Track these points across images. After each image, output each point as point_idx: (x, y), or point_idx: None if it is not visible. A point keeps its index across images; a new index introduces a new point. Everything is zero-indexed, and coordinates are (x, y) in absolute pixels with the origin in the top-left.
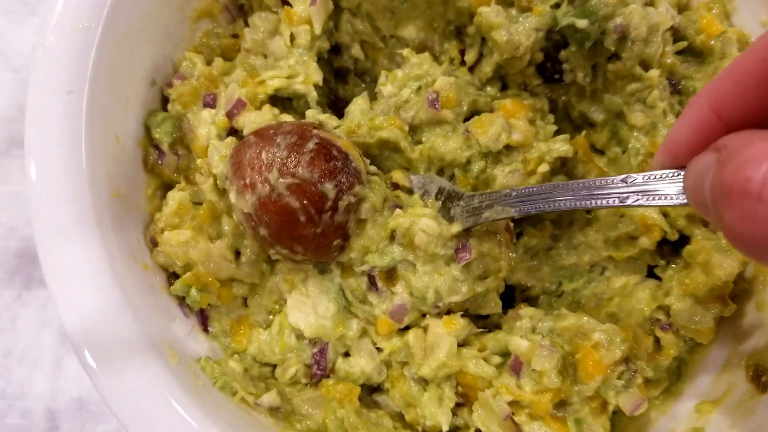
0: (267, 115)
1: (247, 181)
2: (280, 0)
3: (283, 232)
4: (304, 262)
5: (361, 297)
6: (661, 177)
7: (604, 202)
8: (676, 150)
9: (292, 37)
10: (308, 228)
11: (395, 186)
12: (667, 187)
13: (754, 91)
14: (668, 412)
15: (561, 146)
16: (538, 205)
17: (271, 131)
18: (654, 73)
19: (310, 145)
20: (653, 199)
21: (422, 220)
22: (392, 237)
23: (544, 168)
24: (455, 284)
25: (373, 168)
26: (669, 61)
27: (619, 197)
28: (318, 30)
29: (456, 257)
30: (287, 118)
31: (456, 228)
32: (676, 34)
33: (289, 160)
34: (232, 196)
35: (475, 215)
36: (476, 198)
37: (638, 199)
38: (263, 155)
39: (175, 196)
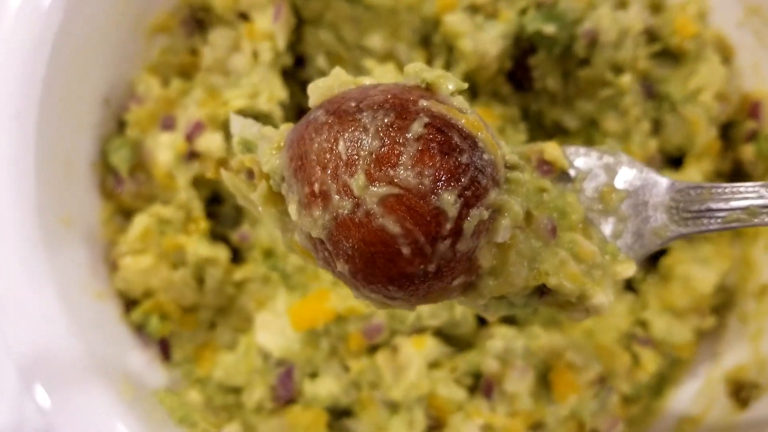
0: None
1: (316, 188)
2: (239, 14)
3: (376, 270)
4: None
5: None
6: None
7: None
8: None
9: (255, 54)
10: (415, 264)
11: (543, 166)
12: None
13: None
14: (648, 430)
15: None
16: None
17: (353, 104)
18: (626, 78)
19: (417, 127)
20: None
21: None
22: None
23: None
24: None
25: (513, 157)
26: (641, 65)
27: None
28: (282, 46)
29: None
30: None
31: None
32: (650, 36)
33: (383, 153)
34: (292, 210)
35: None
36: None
37: None
38: (341, 146)
39: (141, 221)
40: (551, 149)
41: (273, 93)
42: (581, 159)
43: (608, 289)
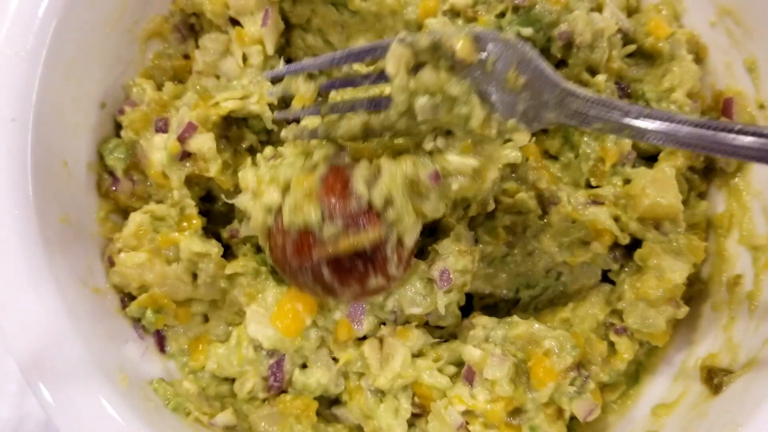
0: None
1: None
2: (230, 20)
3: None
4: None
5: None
6: None
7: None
8: None
9: (245, 57)
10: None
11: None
12: None
13: None
14: (626, 416)
15: (510, 152)
16: (659, 136)
17: None
18: (601, 78)
19: None
20: None
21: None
22: None
23: (493, 174)
24: (417, 297)
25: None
26: (616, 65)
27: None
28: (270, 50)
29: (437, 283)
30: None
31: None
32: (626, 37)
33: None
34: None
35: (578, 119)
36: (580, 99)
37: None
38: None
39: (135, 219)
40: (463, 47)
41: (263, 95)
42: (497, 44)
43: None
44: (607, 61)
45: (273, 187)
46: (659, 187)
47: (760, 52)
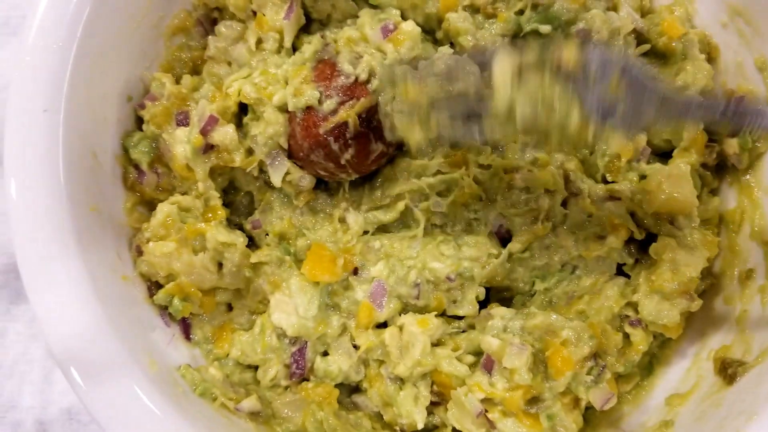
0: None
1: None
2: (252, 11)
3: None
4: None
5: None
6: None
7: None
8: None
9: (259, 41)
10: None
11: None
12: None
13: None
14: (640, 406)
15: None
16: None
17: None
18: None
19: None
20: None
21: None
22: None
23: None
24: (441, 257)
25: None
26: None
27: None
28: (288, 43)
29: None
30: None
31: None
32: (640, 37)
33: None
34: None
35: (676, 118)
36: (676, 102)
37: None
38: None
39: (163, 209)
40: (569, 57)
41: (268, 72)
42: (600, 53)
43: None
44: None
45: (277, 87)
46: (674, 183)
47: None
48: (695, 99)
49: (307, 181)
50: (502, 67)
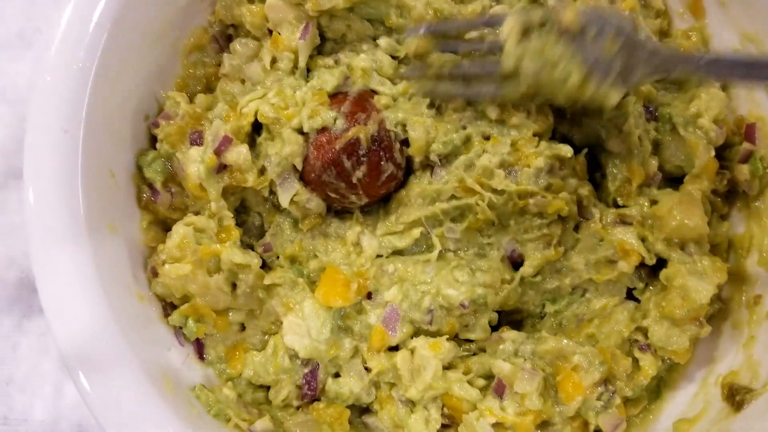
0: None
1: None
2: (268, 30)
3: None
4: None
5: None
6: None
7: None
8: None
9: (274, 60)
10: None
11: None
12: None
13: None
14: (648, 430)
15: (562, 146)
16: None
17: None
18: (630, 99)
19: None
20: None
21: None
22: None
23: (540, 162)
24: (455, 283)
25: None
26: (645, 89)
27: None
28: (303, 63)
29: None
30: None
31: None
32: None
33: None
34: None
35: (661, 72)
36: (659, 55)
37: None
38: None
39: (179, 231)
40: (568, 17)
41: (284, 93)
42: (596, 16)
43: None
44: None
45: (295, 109)
46: (685, 209)
47: None
48: (678, 52)
49: (314, 204)
50: (511, 25)
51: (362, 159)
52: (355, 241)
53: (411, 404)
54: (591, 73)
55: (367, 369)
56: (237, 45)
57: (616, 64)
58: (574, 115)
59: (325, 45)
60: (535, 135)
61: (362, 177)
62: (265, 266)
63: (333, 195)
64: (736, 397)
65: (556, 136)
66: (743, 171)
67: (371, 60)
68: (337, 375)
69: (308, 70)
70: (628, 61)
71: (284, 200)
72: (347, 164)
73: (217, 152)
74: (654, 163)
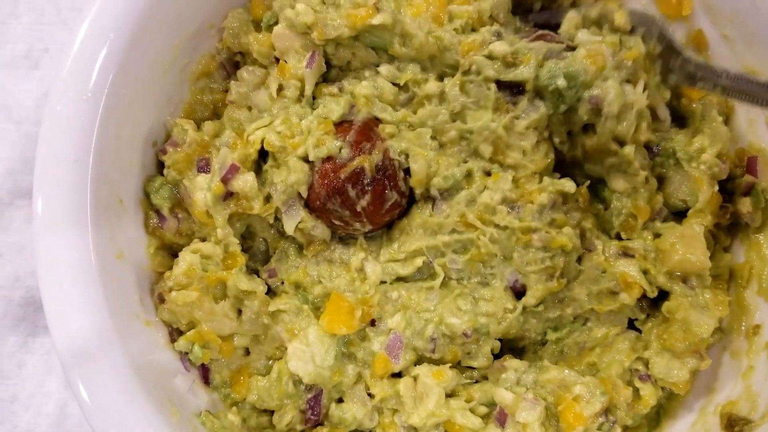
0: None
1: None
2: (275, 57)
3: None
4: None
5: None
6: None
7: None
8: None
9: (280, 88)
10: None
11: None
12: None
13: None
14: None
15: (565, 182)
16: (745, 96)
17: None
18: (628, 149)
19: None
20: None
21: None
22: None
23: (543, 199)
24: (458, 312)
25: None
26: (644, 138)
27: None
28: (309, 91)
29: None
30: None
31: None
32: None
33: None
34: None
35: (690, 80)
36: (692, 64)
37: None
38: None
39: (186, 258)
40: (620, 18)
41: (290, 121)
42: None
43: None
44: (635, 132)
45: (301, 137)
46: (688, 244)
47: None
48: (706, 64)
49: (318, 231)
50: (569, 18)
51: (367, 188)
52: (359, 267)
53: (414, 431)
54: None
55: (370, 395)
56: (244, 72)
57: (657, 65)
58: (573, 158)
59: (330, 72)
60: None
61: (366, 205)
62: (270, 291)
63: (337, 222)
64: (734, 427)
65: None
66: (745, 203)
67: (373, 87)
68: (340, 400)
69: (313, 97)
70: (666, 65)
71: (289, 227)
72: (352, 193)
73: (224, 180)
74: (660, 199)
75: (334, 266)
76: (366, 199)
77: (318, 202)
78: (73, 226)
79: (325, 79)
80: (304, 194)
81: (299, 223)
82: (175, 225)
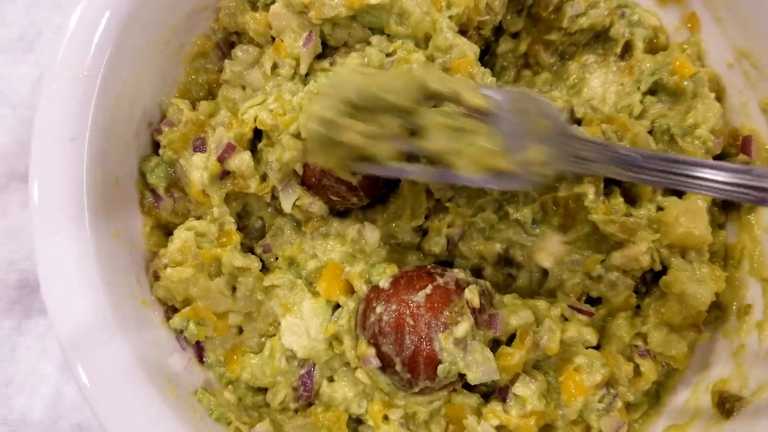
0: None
1: None
2: (271, 37)
3: None
4: None
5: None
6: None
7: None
8: None
9: (275, 66)
10: None
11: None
12: None
13: None
14: None
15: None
16: (641, 176)
17: None
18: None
19: None
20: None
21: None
22: None
23: None
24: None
25: None
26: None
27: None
28: (304, 70)
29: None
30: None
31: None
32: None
33: None
34: None
35: (579, 163)
36: (582, 143)
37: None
38: None
39: (180, 235)
40: (474, 99)
41: (282, 98)
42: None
43: None
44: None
45: (293, 114)
46: (691, 218)
47: None
48: (596, 142)
49: (316, 207)
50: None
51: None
52: (356, 238)
53: (413, 425)
54: (507, 149)
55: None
56: (239, 51)
57: (549, 147)
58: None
59: (325, 52)
60: None
61: (362, 179)
62: (264, 268)
63: (335, 198)
64: (725, 404)
65: None
66: None
67: (362, 57)
68: (331, 379)
69: (306, 74)
70: (560, 147)
71: (287, 205)
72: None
73: (221, 159)
74: None
75: (329, 239)
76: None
77: (314, 179)
78: (70, 204)
79: (319, 58)
80: (300, 171)
81: (296, 200)
82: (171, 204)
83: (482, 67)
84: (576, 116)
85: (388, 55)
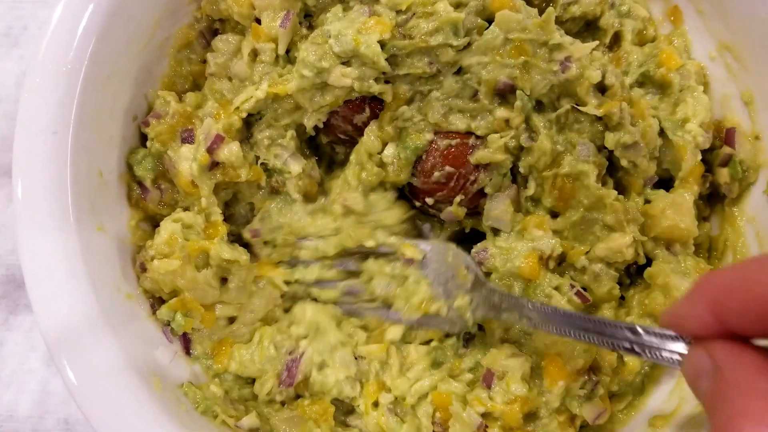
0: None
1: None
2: (256, 19)
3: None
4: None
5: None
6: (664, 336)
7: (607, 343)
8: (678, 323)
9: (255, 52)
10: None
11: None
12: (666, 350)
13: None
14: (627, 425)
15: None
16: (552, 326)
17: None
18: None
19: None
20: (650, 354)
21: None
22: None
23: None
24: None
25: None
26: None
27: (620, 343)
28: (282, 50)
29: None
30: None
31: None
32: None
33: None
34: None
35: (495, 311)
36: (496, 294)
37: (638, 352)
38: None
39: (167, 227)
40: (410, 251)
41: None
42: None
43: None
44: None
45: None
46: (678, 211)
47: (756, 86)
48: (511, 297)
49: (316, 172)
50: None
51: (364, 108)
52: (343, 208)
53: (401, 412)
54: (438, 295)
55: (357, 359)
56: (219, 42)
57: (471, 296)
58: None
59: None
60: None
61: (366, 120)
62: (251, 254)
63: (342, 136)
64: None
65: None
66: (723, 174)
67: (343, 10)
68: (321, 366)
69: (288, 51)
70: (480, 296)
71: (296, 168)
72: (350, 114)
73: (210, 150)
74: (652, 166)
75: (317, 217)
76: (365, 115)
77: (322, 123)
78: (53, 198)
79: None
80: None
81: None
82: (158, 196)
83: None
84: (605, 82)
85: (398, 12)
